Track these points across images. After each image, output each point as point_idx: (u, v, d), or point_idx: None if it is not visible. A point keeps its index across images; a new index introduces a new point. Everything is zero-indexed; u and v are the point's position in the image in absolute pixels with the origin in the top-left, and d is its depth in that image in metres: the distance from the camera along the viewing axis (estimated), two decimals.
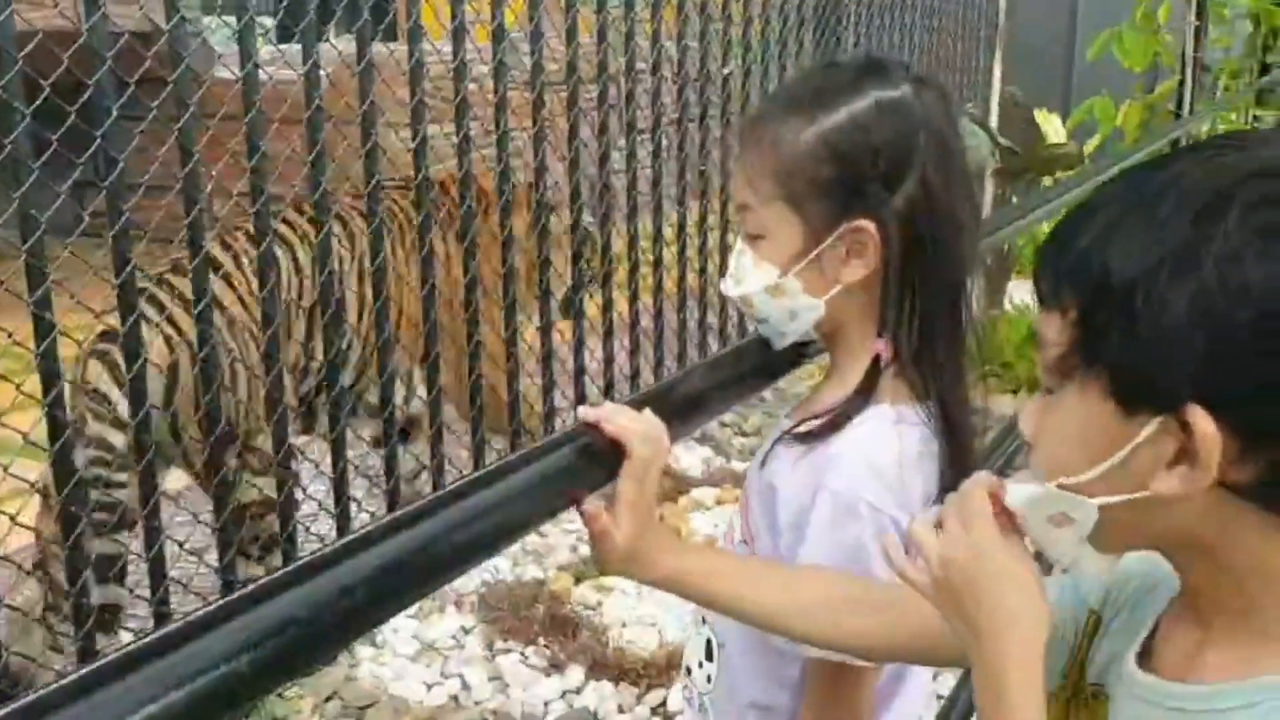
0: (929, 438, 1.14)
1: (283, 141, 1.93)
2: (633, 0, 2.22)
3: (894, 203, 1.12)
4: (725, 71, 2.54)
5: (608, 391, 2.28)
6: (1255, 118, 6.95)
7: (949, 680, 2.45)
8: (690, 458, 4.19)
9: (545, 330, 2.13)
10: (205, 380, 1.65)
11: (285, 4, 1.69)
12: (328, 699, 2.87)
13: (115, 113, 1.44)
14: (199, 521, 2.00)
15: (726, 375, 1.36)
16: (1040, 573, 0.80)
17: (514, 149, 2.01)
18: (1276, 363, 0.66)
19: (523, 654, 3.05)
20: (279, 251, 2.93)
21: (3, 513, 1.55)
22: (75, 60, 1.49)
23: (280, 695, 2.77)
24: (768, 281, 1.17)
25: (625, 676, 2.94)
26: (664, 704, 2.85)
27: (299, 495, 2.67)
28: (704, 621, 1.29)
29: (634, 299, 2.38)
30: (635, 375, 2.33)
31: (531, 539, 3.48)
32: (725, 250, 2.58)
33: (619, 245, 2.48)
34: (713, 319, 2.65)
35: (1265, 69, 7.07)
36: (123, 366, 2.47)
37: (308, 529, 2.47)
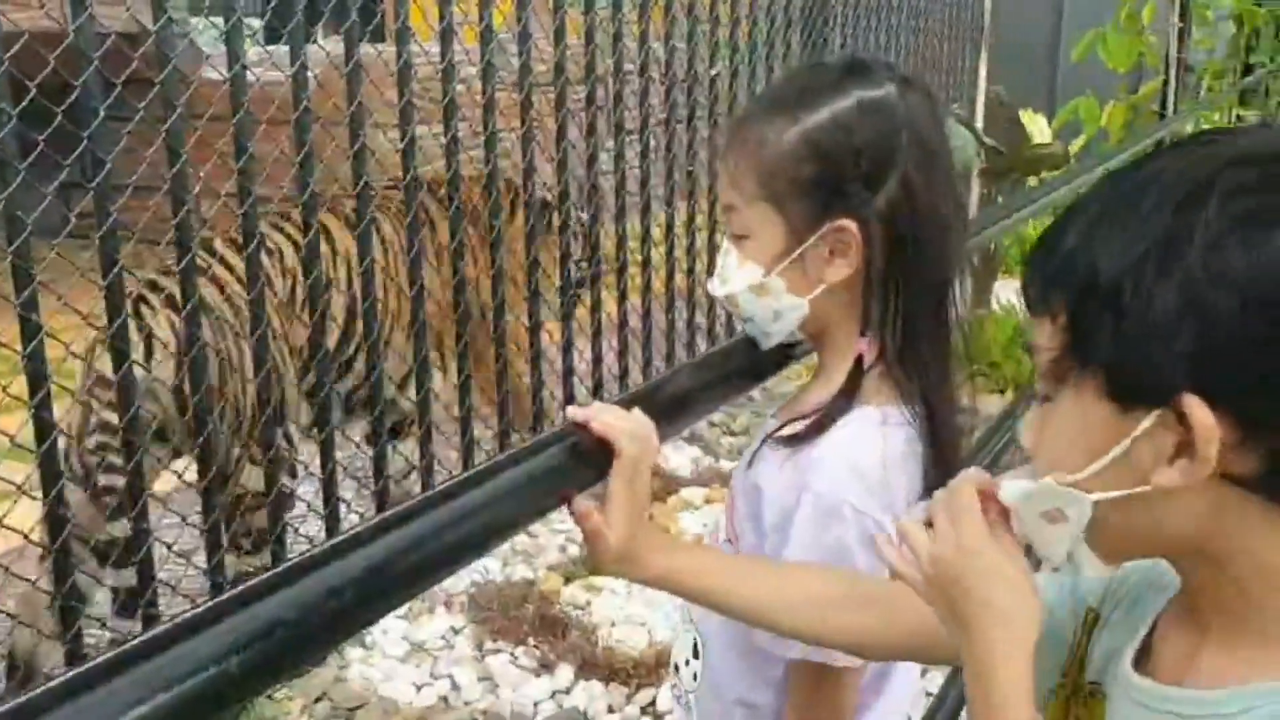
0: (913, 438, 1.15)
1: (270, 142, 1.93)
2: (620, 2, 2.23)
3: (876, 202, 1.12)
4: (712, 73, 2.54)
5: (596, 391, 2.29)
6: (1238, 118, 6.99)
7: (937, 678, 2.46)
8: (679, 458, 4.19)
9: (534, 330, 2.13)
10: (186, 365, 1.64)
11: (273, 5, 1.69)
12: (317, 700, 2.87)
13: (102, 114, 1.44)
14: (187, 524, 1.99)
15: (714, 375, 1.36)
16: (1030, 569, 0.80)
17: (502, 150, 2.01)
18: (1267, 349, 0.66)
19: (512, 654, 3.05)
20: (287, 248, 2.97)
21: None
22: (62, 61, 1.48)
23: (269, 697, 2.76)
24: (752, 281, 1.17)
25: (615, 676, 2.94)
26: (653, 703, 2.86)
27: (300, 486, 2.68)
28: (690, 620, 1.30)
29: (622, 299, 2.38)
30: (624, 375, 2.34)
31: (521, 539, 3.47)
32: (713, 250, 2.59)
33: (607, 245, 2.48)
34: (701, 319, 2.66)
35: (1248, 69, 7.11)
36: (129, 355, 2.51)
37: (296, 530, 2.47)
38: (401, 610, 3.09)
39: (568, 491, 1.07)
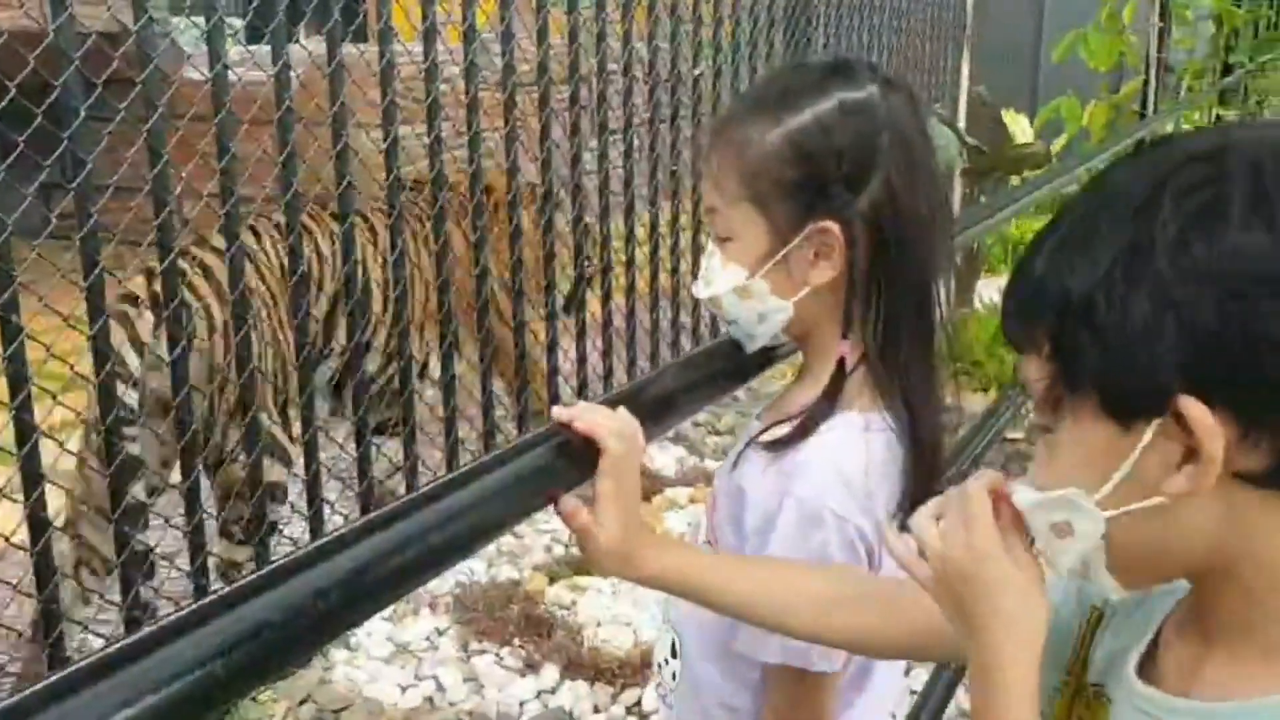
0: (893, 443, 1.14)
1: (253, 143, 1.92)
2: (604, 1, 2.23)
3: (859, 204, 1.12)
4: (696, 72, 2.55)
5: (581, 391, 2.29)
6: (1218, 117, 7.04)
7: (922, 675, 2.47)
8: (664, 457, 4.20)
9: (518, 329, 2.13)
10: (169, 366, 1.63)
11: (254, 5, 1.69)
12: (302, 702, 2.86)
13: (83, 114, 1.43)
14: (171, 526, 1.98)
15: (699, 375, 1.36)
16: (1041, 573, 0.78)
17: (486, 149, 2.00)
18: (1250, 339, 0.66)
19: (498, 655, 3.05)
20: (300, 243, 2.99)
21: None
22: (42, 61, 1.47)
23: (254, 699, 2.75)
24: (736, 283, 1.17)
25: (600, 676, 2.94)
26: (639, 703, 2.86)
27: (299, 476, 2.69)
28: (668, 621, 1.30)
29: (606, 299, 2.39)
30: (609, 375, 2.34)
31: (506, 540, 3.47)
32: (697, 250, 2.59)
33: (591, 246, 2.48)
34: (685, 319, 2.67)
35: (1227, 69, 7.17)
36: (137, 327, 2.53)
37: (280, 531, 2.46)
38: (386, 612, 3.08)
39: (554, 491, 1.07)
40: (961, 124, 4.75)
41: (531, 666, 2.99)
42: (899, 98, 1.16)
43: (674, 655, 1.28)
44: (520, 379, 2.15)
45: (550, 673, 2.96)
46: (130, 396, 2.57)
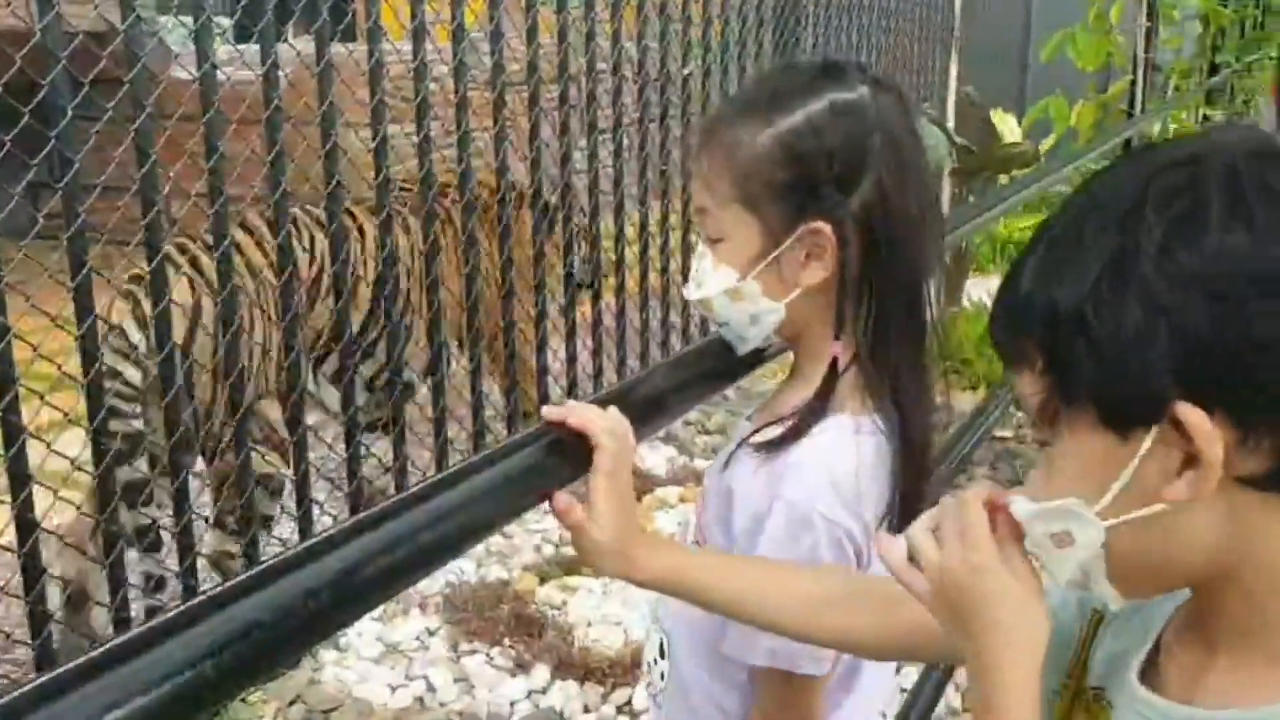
0: (883, 446, 1.14)
1: (241, 142, 1.91)
2: (593, 1, 2.23)
3: (850, 205, 1.12)
4: (685, 72, 2.55)
5: (571, 390, 2.29)
6: (1205, 117, 7.07)
7: (912, 674, 2.48)
8: (654, 457, 4.20)
9: (507, 329, 2.13)
10: (156, 366, 1.63)
11: (243, 4, 1.68)
12: (291, 703, 2.85)
13: (70, 113, 1.43)
14: (159, 527, 1.98)
15: (689, 374, 1.36)
16: (1039, 583, 0.78)
17: (475, 149, 2.00)
18: (1242, 341, 0.66)
19: (488, 655, 3.04)
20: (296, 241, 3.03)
21: None
22: (29, 60, 1.47)
23: (243, 700, 2.74)
24: (727, 285, 1.16)
25: (591, 676, 2.94)
26: (629, 703, 2.86)
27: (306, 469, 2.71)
28: (656, 621, 1.30)
29: (597, 298, 2.39)
30: (599, 374, 2.34)
31: (496, 540, 3.47)
32: (687, 249, 2.60)
33: (583, 245, 2.48)
34: (675, 318, 2.67)
35: (1214, 69, 7.20)
36: (144, 306, 2.56)
37: (269, 531, 2.46)
38: (376, 612, 3.07)
39: (548, 490, 1.07)
40: (950, 124, 4.76)
41: (522, 666, 2.99)
42: (889, 98, 1.16)
43: (663, 655, 1.28)
44: (510, 379, 2.15)
45: (541, 673, 2.96)
46: (133, 374, 2.66)
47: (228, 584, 0.85)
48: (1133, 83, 6.34)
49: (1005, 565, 0.77)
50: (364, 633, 3.11)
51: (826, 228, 1.12)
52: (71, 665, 0.75)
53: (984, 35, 5.76)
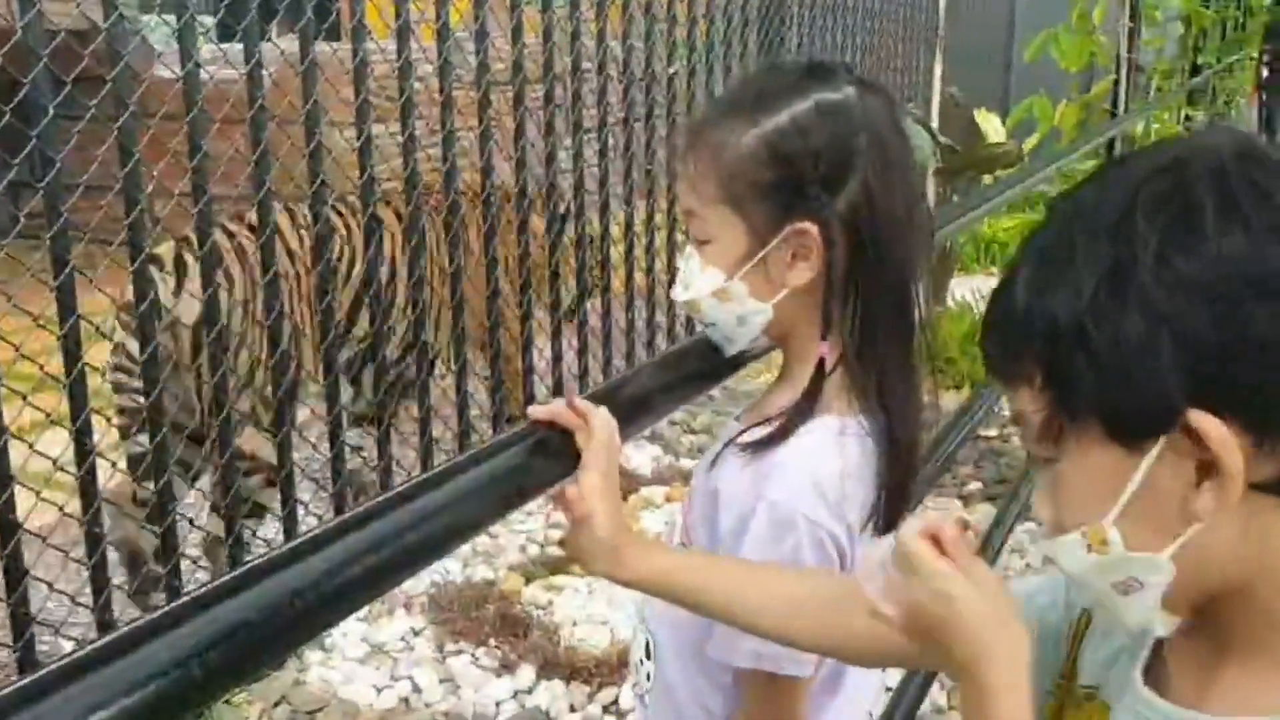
0: (869, 448, 1.15)
1: (225, 141, 1.91)
2: (578, 0, 2.23)
3: (836, 205, 1.12)
4: (670, 71, 2.55)
5: (557, 390, 2.29)
6: (1187, 117, 7.13)
7: (897, 671, 2.48)
8: (640, 456, 4.20)
9: (493, 329, 2.13)
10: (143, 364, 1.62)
11: (226, 2, 1.68)
12: (276, 704, 2.84)
13: (52, 112, 1.42)
14: (146, 528, 1.97)
15: (675, 374, 1.37)
16: (1007, 592, 0.78)
17: (460, 149, 2.00)
18: (1247, 345, 0.65)
19: (473, 655, 3.04)
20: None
21: None
22: (10, 58, 1.46)
23: (228, 701, 2.73)
24: (714, 286, 1.16)
25: (577, 675, 2.94)
26: (615, 702, 2.86)
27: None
28: (642, 621, 1.30)
29: (582, 297, 2.38)
30: (584, 374, 2.34)
31: (481, 539, 3.46)
32: (673, 249, 2.60)
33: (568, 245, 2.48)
34: (661, 318, 2.67)
35: (1196, 69, 7.25)
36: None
37: (254, 532, 2.45)
38: (361, 612, 3.07)
39: (534, 489, 1.07)
40: (934, 124, 4.77)
41: (507, 666, 2.99)
42: (875, 99, 1.17)
43: (649, 656, 1.28)
44: (495, 378, 2.15)
45: (526, 672, 2.95)
46: (136, 347, 2.68)
47: (212, 584, 0.85)
48: (1115, 83, 6.38)
49: (970, 584, 0.76)
50: (349, 633, 3.10)
51: (813, 228, 1.12)
52: (55, 666, 0.75)
53: (968, 35, 5.79)
